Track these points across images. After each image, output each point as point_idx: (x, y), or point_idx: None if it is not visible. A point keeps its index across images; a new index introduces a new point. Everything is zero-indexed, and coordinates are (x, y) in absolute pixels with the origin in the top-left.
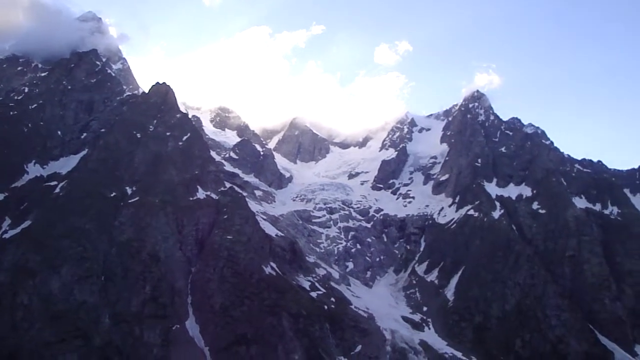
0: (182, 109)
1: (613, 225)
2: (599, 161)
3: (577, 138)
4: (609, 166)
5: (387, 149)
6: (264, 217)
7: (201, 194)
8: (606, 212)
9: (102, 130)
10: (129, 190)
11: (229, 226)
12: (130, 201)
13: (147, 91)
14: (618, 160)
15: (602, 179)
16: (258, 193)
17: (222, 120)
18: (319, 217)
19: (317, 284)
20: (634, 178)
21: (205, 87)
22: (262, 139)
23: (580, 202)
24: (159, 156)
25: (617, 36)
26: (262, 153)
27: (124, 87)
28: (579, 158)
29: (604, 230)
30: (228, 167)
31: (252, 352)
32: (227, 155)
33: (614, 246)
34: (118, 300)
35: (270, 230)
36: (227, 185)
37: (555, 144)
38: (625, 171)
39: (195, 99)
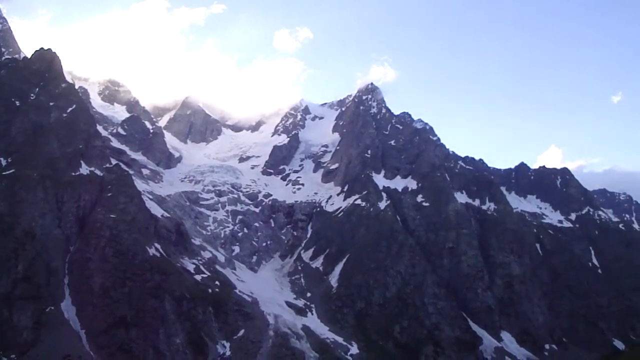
0: (68, 78)
1: (489, 220)
2: (481, 159)
3: (463, 136)
4: (489, 165)
5: (279, 135)
6: (150, 197)
7: (84, 169)
8: (484, 207)
9: None
10: (4, 162)
11: (113, 204)
12: (4, 173)
13: (29, 56)
14: (497, 159)
15: (482, 177)
16: (145, 172)
17: (111, 93)
18: (207, 200)
19: (202, 267)
20: (510, 177)
21: (94, 58)
22: (152, 116)
23: (461, 197)
24: (39, 127)
25: (508, 40)
26: (151, 131)
27: (3, 49)
28: (463, 155)
29: (481, 225)
30: (115, 143)
31: (131, 335)
32: (115, 131)
33: (489, 240)
34: None
35: (156, 210)
36: (113, 161)
37: (441, 141)
38: (503, 170)
39: (83, 70)
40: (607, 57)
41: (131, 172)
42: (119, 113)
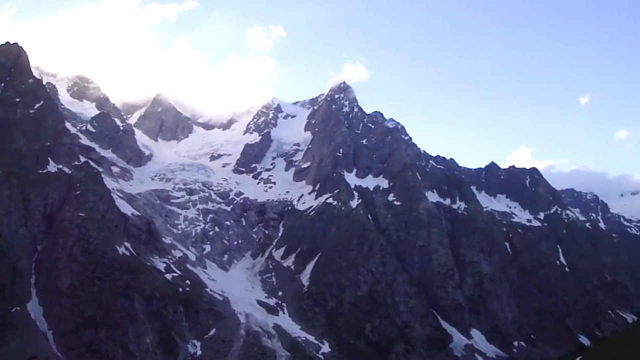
0: (36, 74)
1: (459, 219)
2: (452, 159)
3: (434, 135)
4: (460, 164)
5: (251, 133)
6: (120, 195)
7: (52, 167)
8: (454, 206)
9: None
10: None
11: (82, 203)
12: None
13: None
14: (468, 159)
15: (452, 176)
16: (115, 169)
17: (80, 90)
18: (178, 198)
19: (172, 266)
20: (481, 177)
21: (63, 54)
22: (122, 114)
23: (432, 196)
24: (5, 123)
25: (480, 42)
26: (121, 128)
27: None
28: (434, 155)
29: (452, 224)
30: (84, 140)
31: (100, 335)
32: (84, 128)
33: (459, 239)
34: None
35: (126, 208)
36: (82, 159)
37: (413, 140)
38: (473, 170)
39: (51, 65)
40: (576, 60)
41: (100, 169)
42: (88, 110)
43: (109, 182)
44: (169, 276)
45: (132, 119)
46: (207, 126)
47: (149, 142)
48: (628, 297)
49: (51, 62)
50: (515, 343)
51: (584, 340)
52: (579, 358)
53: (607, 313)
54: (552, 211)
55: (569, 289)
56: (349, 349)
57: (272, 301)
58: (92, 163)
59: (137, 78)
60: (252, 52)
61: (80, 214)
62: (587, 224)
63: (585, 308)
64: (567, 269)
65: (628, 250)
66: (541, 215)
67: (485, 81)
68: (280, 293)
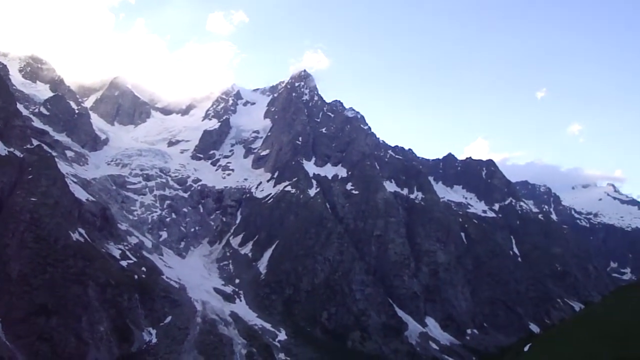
0: None
1: (416, 209)
2: (410, 149)
3: (393, 126)
4: (418, 155)
5: (210, 119)
6: (75, 180)
7: (2, 150)
8: (412, 196)
9: None
10: None
11: (34, 187)
12: None
13: None
14: (426, 149)
15: (410, 166)
16: (69, 154)
17: (33, 71)
18: (135, 184)
19: (128, 253)
20: (438, 167)
21: (15, 32)
22: (77, 96)
23: (390, 186)
24: None
25: (440, 34)
26: (76, 111)
27: None
28: (392, 145)
29: (409, 213)
30: (37, 123)
31: (52, 323)
32: (37, 110)
33: (416, 228)
34: None
35: (81, 194)
36: (35, 142)
37: (372, 130)
38: (431, 160)
39: (2, 44)
40: (534, 54)
41: (54, 153)
42: (42, 92)
43: (63, 167)
44: (124, 263)
45: (88, 102)
46: (166, 111)
47: (105, 126)
48: (576, 286)
49: (2, 41)
50: (469, 331)
51: (534, 328)
52: (528, 345)
53: (557, 302)
54: (506, 202)
55: (521, 279)
56: (306, 336)
57: (229, 289)
58: (45, 147)
59: (93, 60)
60: (213, 37)
61: (32, 199)
62: (539, 216)
63: (536, 297)
64: (519, 259)
65: (577, 241)
66: (496, 207)
67: (445, 73)
68: (237, 281)
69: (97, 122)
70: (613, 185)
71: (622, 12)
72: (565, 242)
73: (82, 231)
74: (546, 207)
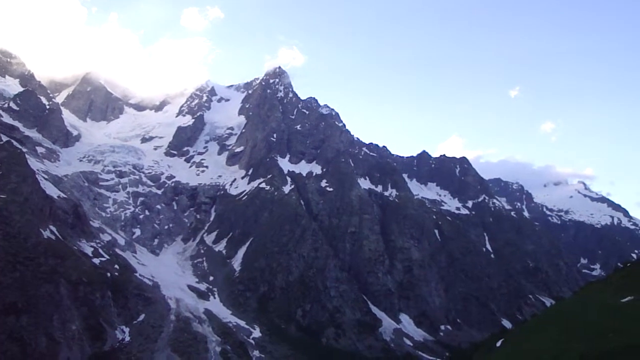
0: None
1: (391, 206)
2: (384, 147)
3: (367, 123)
4: (392, 152)
5: (184, 116)
6: (46, 177)
7: None
8: (386, 193)
9: None
10: None
11: (4, 184)
12: None
13: None
14: (401, 147)
15: (385, 163)
16: (40, 150)
17: (2, 65)
18: (107, 181)
19: (100, 250)
20: (412, 165)
21: None
22: (49, 92)
23: (365, 183)
24: None
25: (415, 33)
26: (48, 107)
27: None
28: (367, 142)
29: (383, 210)
30: (6, 118)
31: (22, 322)
32: (6, 106)
33: (390, 225)
34: None
35: (52, 191)
36: (4, 138)
37: (347, 127)
38: (405, 158)
39: None
40: (508, 53)
41: (24, 150)
42: (11, 86)
43: (34, 163)
44: (96, 261)
45: (60, 98)
46: (139, 107)
47: (77, 122)
48: (547, 282)
49: None
50: (442, 327)
51: (507, 323)
52: (500, 340)
53: (528, 297)
54: (480, 200)
55: (494, 275)
56: (280, 334)
57: (203, 286)
58: (15, 143)
59: (65, 55)
60: (187, 32)
61: (2, 196)
62: (512, 213)
63: (508, 293)
64: (492, 255)
65: (549, 238)
66: (469, 204)
67: (420, 71)
68: (211, 278)
69: (69, 117)
70: (584, 183)
71: (595, 13)
72: (537, 238)
73: (53, 228)
74: (518, 204)
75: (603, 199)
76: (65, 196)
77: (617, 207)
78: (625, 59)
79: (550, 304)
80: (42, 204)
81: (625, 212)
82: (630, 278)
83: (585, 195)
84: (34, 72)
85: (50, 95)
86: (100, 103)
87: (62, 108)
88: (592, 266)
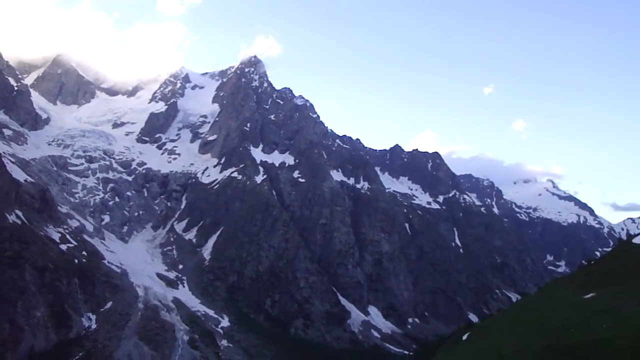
0: None
1: (362, 199)
2: (358, 139)
3: (341, 115)
4: (365, 145)
5: (157, 102)
6: (12, 160)
7: None
8: (358, 186)
9: None
10: None
11: None
12: None
13: None
14: (374, 140)
15: (358, 156)
16: (7, 132)
17: None
18: (77, 165)
19: (68, 236)
20: (385, 158)
21: None
22: (17, 73)
23: (337, 175)
24: None
25: (392, 27)
26: (16, 88)
27: None
28: (341, 134)
29: (354, 203)
30: None
31: None
32: None
33: (361, 218)
34: None
35: (19, 174)
36: None
37: (320, 118)
38: (378, 151)
39: None
40: (483, 50)
41: None
42: None
43: (0, 146)
44: (63, 247)
45: (29, 80)
46: (111, 92)
47: (47, 105)
48: (514, 277)
49: None
50: (410, 319)
51: (473, 317)
52: (467, 333)
53: (495, 292)
54: (450, 195)
55: (462, 269)
56: (249, 323)
57: (172, 274)
58: None
59: (35, 36)
60: (163, 17)
61: None
62: (482, 209)
63: (475, 287)
64: (461, 250)
65: (517, 234)
66: (440, 199)
67: (395, 66)
68: (180, 266)
69: (38, 100)
70: (552, 182)
71: (569, 14)
72: (505, 235)
73: (20, 213)
74: (488, 200)
75: (570, 198)
76: (32, 180)
77: (583, 206)
78: (597, 61)
79: (516, 299)
80: (8, 188)
81: (591, 211)
82: (594, 275)
83: (553, 194)
84: (1, 51)
85: (19, 76)
86: (71, 86)
87: (31, 90)
88: (557, 263)
